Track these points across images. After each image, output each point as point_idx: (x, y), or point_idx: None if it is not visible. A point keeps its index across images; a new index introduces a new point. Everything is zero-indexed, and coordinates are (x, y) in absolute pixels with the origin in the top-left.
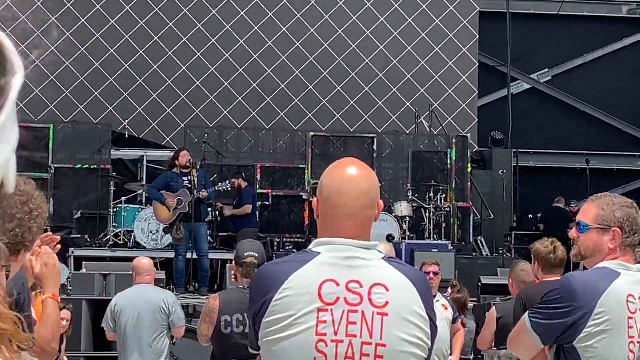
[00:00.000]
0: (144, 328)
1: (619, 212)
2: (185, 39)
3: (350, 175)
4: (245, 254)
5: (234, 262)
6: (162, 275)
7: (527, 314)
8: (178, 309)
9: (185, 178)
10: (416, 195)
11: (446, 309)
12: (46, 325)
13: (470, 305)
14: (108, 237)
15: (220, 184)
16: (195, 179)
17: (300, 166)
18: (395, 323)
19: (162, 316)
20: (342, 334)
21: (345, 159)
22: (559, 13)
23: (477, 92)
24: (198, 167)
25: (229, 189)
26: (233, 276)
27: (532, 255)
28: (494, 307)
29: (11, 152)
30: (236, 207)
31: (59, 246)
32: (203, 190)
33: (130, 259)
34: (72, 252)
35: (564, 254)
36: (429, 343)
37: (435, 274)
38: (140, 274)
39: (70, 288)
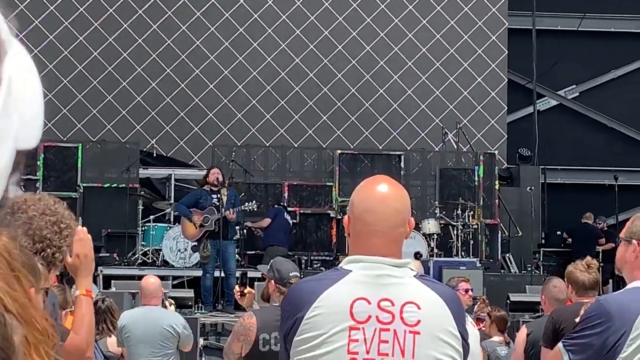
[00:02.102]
0: (151, 351)
1: None
2: (212, 57)
3: (382, 193)
4: (291, 274)
5: (273, 281)
6: (190, 293)
7: (561, 344)
8: (187, 330)
9: (214, 196)
10: (444, 212)
11: (474, 325)
12: (80, 331)
13: None
14: (136, 255)
15: (246, 203)
16: (224, 198)
17: (328, 184)
18: (428, 342)
19: (171, 339)
20: (374, 352)
21: (376, 176)
22: (586, 29)
23: (506, 108)
24: (227, 185)
25: (255, 209)
26: (237, 293)
27: (565, 277)
28: (523, 326)
29: (9, 157)
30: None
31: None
32: (231, 210)
33: (159, 278)
34: (101, 271)
35: (597, 276)
36: None
37: (472, 290)
38: (146, 295)
39: None
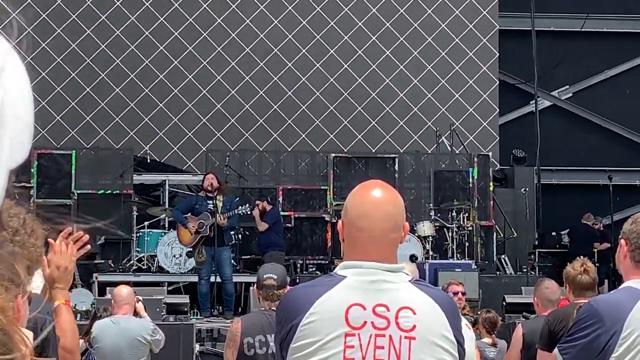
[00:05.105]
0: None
1: (631, 225)
2: (205, 62)
3: (375, 198)
4: (265, 276)
5: (255, 285)
6: (185, 299)
7: (557, 349)
8: (156, 334)
9: (210, 202)
10: (438, 214)
11: (469, 328)
12: (66, 336)
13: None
14: (131, 262)
15: (240, 207)
16: (220, 203)
17: (322, 187)
18: (423, 347)
19: (141, 348)
20: (370, 358)
21: (370, 181)
22: (579, 30)
23: (498, 110)
24: (224, 191)
25: (249, 212)
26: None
27: (563, 278)
28: (519, 324)
29: (4, 181)
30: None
31: (88, 247)
32: (221, 216)
33: (155, 284)
34: (96, 278)
35: (594, 276)
36: None
37: (463, 293)
38: (117, 302)
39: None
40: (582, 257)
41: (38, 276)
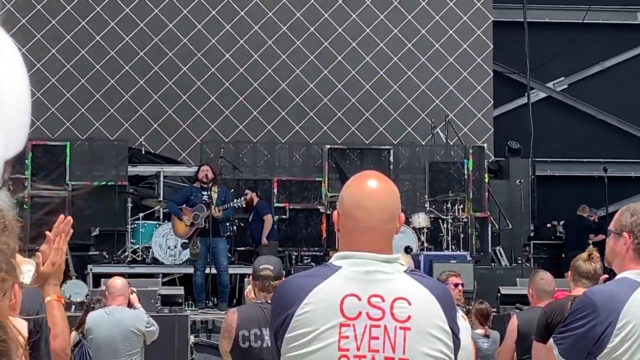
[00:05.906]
0: (116, 352)
1: (632, 217)
2: (199, 55)
3: (371, 189)
4: (261, 267)
5: (251, 277)
6: (180, 290)
7: (552, 340)
8: (150, 325)
9: (205, 193)
10: (433, 206)
11: (465, 319)
12: (56, 331)
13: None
14: (126, 253)
15: (235, 200)
16: (215, 195)
17: (317, 179)
18: (418, 337)
19: (135, 339)
20: (365, 349)
21: (366, 171)
22: (574, 21)
23: (492, 101)
24: (218, 182)
25: (243, 205)
26: (248, 291)
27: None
28: (514, 316)
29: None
30: (253, 221)
31: (71, 230)
32: (216, 208)
33: (149, 275)
34: (91, 269)
35: (596, 266)
36: (452, 357)
37: (463, 285)
38: (111, 293)
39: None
40: (578, 248)
41: (28, 265)
